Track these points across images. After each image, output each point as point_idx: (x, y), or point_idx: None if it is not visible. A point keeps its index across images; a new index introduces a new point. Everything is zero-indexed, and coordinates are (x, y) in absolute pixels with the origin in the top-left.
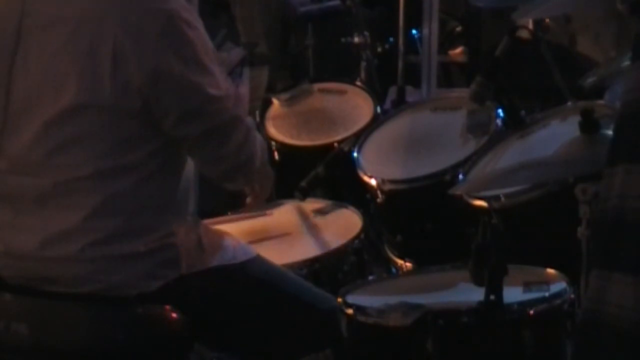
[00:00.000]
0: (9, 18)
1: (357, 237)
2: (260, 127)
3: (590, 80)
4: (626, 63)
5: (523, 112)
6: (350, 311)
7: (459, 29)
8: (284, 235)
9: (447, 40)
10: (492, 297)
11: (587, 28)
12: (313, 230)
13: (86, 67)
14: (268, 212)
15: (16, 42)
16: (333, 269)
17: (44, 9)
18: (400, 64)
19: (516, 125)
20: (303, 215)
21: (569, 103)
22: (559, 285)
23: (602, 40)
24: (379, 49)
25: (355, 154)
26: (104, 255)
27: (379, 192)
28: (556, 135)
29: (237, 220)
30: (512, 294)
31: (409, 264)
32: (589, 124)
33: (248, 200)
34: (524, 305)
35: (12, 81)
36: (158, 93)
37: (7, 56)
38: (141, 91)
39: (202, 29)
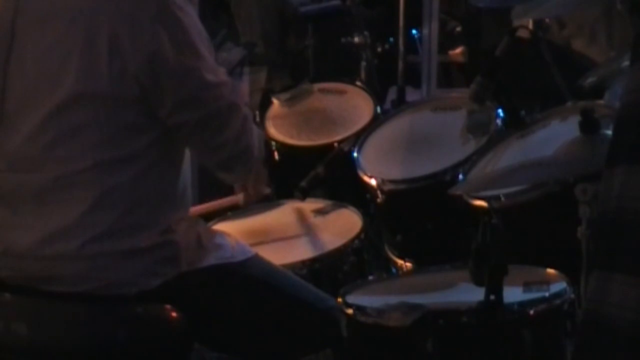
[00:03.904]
0: (3, 16)
1: (357, 237)
2: (260, 127)
3: (590, 80)
4: (626, 63)
5: (523, 112)
6: (350, 311)
7: (459, 29)
8: (284, 235)
9: (447, 40)
10: (492, 297)
11: (582, 30)
12: (313, 230)
13: (83, 58)
14: (268, 211)
15: (10, 40)
16: (333, 269)
17: (37, 5)
18: (400, 64)
19: (516, 125)
20: (303, 215)
21: (569, 103)
22: (559, 285)
23: (599, 40)
24: (379, 49)
25: (355, 154)
26: (103, 252)
27: (379, 192)
28: (556, 135)
29: (237, 220)
30: (512, 294)
31: (409, 264)
32: (589, 124)
33: (240, 198)
34: (524, 305)
35: (8, 79)
36: (154, 79)
37: (1, 54)
38: (138, 78)
39: (196, 16)
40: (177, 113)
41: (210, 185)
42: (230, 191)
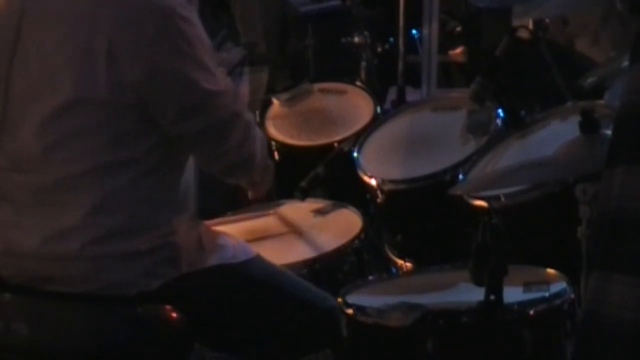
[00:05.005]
0: (9, 16)
1: (357, 237)
2: (260, 127)
3: (590, 80)
4: (626, 63)
5: (523, 112)
6: (350, 311)
7: (459, 29)
8: (284, 235)
9: (447, 40)
10: (492, 297)
11: (585, 29)
12: (313, 230)
13: (82, 64)
14: (268, 211)
15: (15, 40)
16: (333, 269)
17: (42, 6)
18: (400, 64)
19: (516, 125)
20: (303, 215)
21: (569, 103)
22: (559, 285)
23: (601, 40)
24: (379, 49)
25: (355, 154)
26: (104, 254)
27: (379, 192)
28: (556, 135)
29: (237, 220)
30: (512, 294)
31: (409, 264)
32: (589, 124)
33: (250, 194)
34: (524, 305)
35: (11, 79)
36: (155, 90)
37: (6, 54)
38: (137, 88)
39: (200, 25)
40: (178, 123)
41: (210, 187)
42: (230, 194)
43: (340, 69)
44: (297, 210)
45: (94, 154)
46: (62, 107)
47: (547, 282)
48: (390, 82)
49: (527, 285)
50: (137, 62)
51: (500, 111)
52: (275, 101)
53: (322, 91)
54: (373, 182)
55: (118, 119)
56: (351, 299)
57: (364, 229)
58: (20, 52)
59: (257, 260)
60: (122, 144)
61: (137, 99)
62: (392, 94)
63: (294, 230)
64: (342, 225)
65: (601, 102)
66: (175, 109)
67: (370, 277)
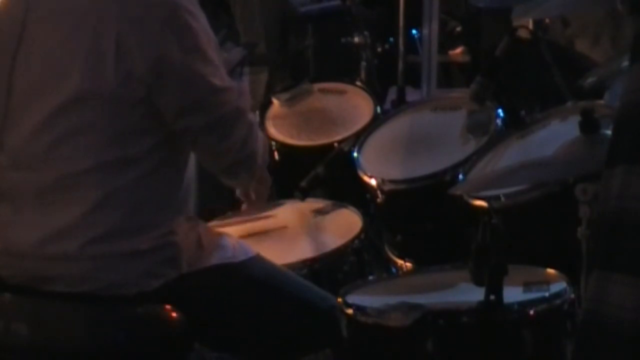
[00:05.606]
0: (13, 13)
1: (357, 237)
2: (260, 127)
3: (590, 80)
4: (626, 63)
5: (523, 112)
6: (350, 311)
7: (459, 29)
8: (284, 235)
9: (447, 40)
10: (492, 297)
11: (586, 30)
12: (313, 230)
13: (89, 58)
14: (268, 213)
15: (20, 35)
16: (333, 269)
17: (47, 3)
18: (400, 64)
19: (516, 125)
20: (303, 215)
21: (569, 103)
22: (559, 285)
23: (601, 40)
24: (379, 49)
25: (355, 154)
26: (103, 253)
27: (379, 192)
28: (556, 135)
29: (237, 222)
30: (512, 294)
31: (409, 264)
32: (589, 124)
33: (243, 206)
34: (524, 305)
35: (14, 74)
36: (161, 83)
37: (10, 49)
38: (144, 81)
39: (205, 19)
40: (183, 117)
41: (210, 186)
42: (230, 196)
43: (340, 69)
44: (297, 210)
45: (97, 151)
46: (66, 103)
47: (547, 282)
48: (390, 82)
49: (527, 285)
50: (144, 56)
51: (500, 111)
52: (275, 101)
53: (322, 91)
54: (373, 182)
55: (122, 115)
56: (351, 299)
57: (364, 229)
58: (24, 49)
59: (257, 260)
60: (124, 142)
61: (143, 93)
62: (392, 94)
63: (294, 230)
64: (342, 225)
65: (601, 102)
66: (181, 103)
67: (370, 277)
